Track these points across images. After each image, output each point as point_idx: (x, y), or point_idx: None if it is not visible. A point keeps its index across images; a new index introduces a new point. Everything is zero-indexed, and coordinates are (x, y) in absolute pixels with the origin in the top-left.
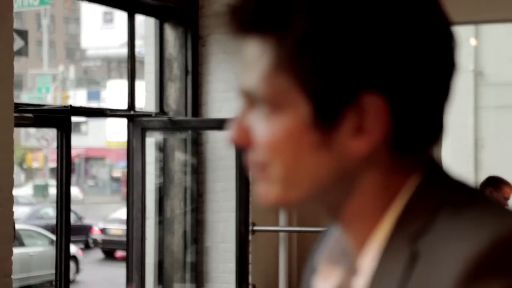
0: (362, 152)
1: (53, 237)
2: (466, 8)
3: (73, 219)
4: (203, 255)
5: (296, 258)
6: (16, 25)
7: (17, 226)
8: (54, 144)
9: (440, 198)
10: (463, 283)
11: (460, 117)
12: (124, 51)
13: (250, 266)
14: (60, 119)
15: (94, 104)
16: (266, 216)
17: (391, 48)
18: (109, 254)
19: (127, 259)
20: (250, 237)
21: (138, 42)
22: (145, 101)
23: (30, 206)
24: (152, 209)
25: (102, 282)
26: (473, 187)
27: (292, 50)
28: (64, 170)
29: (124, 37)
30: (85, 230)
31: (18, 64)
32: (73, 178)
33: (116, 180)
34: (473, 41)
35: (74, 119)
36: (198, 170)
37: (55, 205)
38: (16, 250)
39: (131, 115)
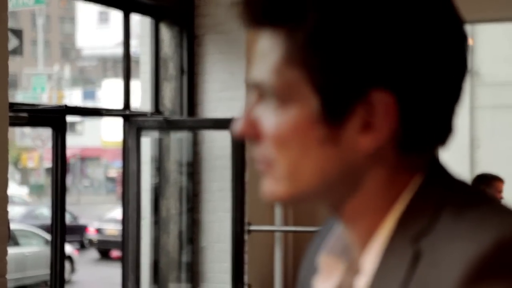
0: (369, 149)
1: (49, 237)
2: (462, 7)
3: (68, 219)
4: (199, 255)
5: (292, 257)
6: (11, 24)
7: (12, 226)
8: (49, 144)
9: (443, 198)
10: (466, 283)
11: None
12: (119, 50)
13: (246, 266)
14: (55, 119)
15: (89, 104)
16: (262, 216)
17: (403, 46)
18: (104, 254)
19: (122, 259)
20: (246, 237)
21: (133, 42)
22: (140, 100)
23: (25, 206)
24: (148, 209)
25: (98, 282)
26: (476, 188)
27: (303, 44)
28: (59, 169)
29: (120, 37)
30: (81, 230)
31: (13, 64)
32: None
33: (111, 180)
34: (468, 41)
35: (69, 119)
36: (193, 170)
37: (50, 205)
38: (11, 250)
39: (127, 114)
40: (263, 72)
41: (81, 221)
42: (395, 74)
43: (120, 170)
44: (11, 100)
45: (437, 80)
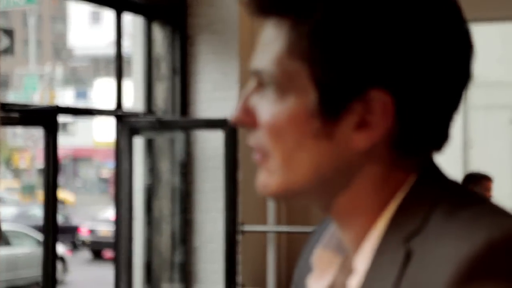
0: (363, 147)
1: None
2: None
3: (60, 219)
4: (192, 255)
5: (285, 256)
6: (2, 24)
7: (4, 227)
8: (41, 145)
9: (435, 198)
10: (457, 283)
11: None
12: (111, 50)
13: (239, 266)
14: (46, 118)
15: (81, 104)
16: (256, 215)
17: (406, 49)
18: (97, 255)
19: (115, 260)
20: (239, 238)
21: (125, 42)
22: (133, 100)
23: (18, 206)
24: (141, 209)
25: (90, 283)
26: (468, 189)
27: (307, 37)
28: (51, 170)
29: (112, 37)
30: (73, 230)
31: (4, 64)
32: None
33: (104, 180)
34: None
35: (61, 119)
36: (186, 170)
37: (42, 205)
38: (3, 251)
39: (119, 115)
40: (264, 61)
41: (74, 222)
42: (395, 75)
43: (113, 171)
44: (2, 100)
45: (437, 86)
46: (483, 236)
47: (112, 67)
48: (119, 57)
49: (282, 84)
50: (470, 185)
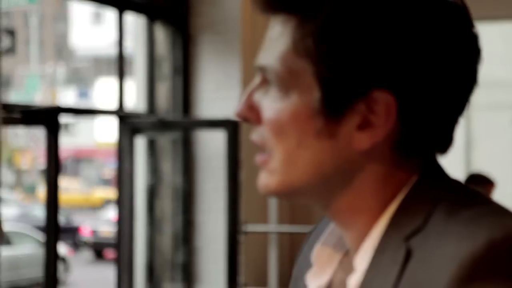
0: (365, 146)
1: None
2: None
3: (62, 220)
4: (194, 255)
5: (288, 256)
6: (4, 24)
7: (6, 227)
8: (42, 145)
9: (436, 197)
10: (458, 283)
11: None
12: (113, 50)
13: (241, 267)
14: (48, 118)
15: (83, 103)
16: (258, 215)
17: (411, 52)
18: (99, 255)
19: (117, 260)
20: (241, 238)
21: (127, 41)
22: (134, 100)
23: (19, 206)
24: (142, 210)
25: (92, 283)
26: (471, 189)
27: (313, 35)
28: (53, 170)
29: (114, 36)
30: (75, 231)
31: (6, 63)
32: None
33: (105, 180)
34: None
35: (63, 119)
36: (188, 170)
37: (44, 206)
38: (5, 251)
39: (121, 115)
40: (269, 58)
41: (75, 222)
42: (399, 77)
43: (114, 171)
44: (4, 100)
45: (441, 89)
46: (484, 236)
47: (114, 67)
48: (120, 57)
49: (286, 82)
50: (472, 186)
